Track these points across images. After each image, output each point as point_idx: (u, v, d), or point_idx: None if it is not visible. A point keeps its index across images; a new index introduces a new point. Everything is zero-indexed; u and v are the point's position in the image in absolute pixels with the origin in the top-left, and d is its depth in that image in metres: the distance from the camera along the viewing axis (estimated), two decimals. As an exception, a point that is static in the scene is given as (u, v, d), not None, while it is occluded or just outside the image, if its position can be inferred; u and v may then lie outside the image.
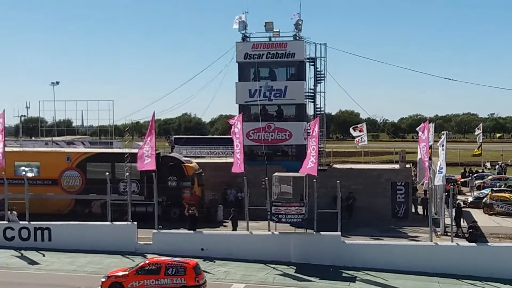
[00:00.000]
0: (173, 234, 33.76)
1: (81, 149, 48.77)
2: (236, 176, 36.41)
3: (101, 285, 25.53)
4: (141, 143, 36.77)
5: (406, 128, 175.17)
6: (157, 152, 38.68)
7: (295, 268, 30.58)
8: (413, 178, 48.00)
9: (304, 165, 32.47)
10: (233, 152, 34.70)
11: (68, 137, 73.65)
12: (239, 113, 38.68)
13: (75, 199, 41.22)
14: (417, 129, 48.12)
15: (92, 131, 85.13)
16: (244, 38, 44.01)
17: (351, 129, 56.54)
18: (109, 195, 34.33)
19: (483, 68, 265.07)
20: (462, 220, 37.92)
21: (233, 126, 34.25)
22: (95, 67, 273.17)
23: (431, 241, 32.53)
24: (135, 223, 33.69)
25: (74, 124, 64.96)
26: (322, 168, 40.86)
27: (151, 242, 33.17)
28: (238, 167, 33.61)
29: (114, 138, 58.74)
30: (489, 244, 32.70)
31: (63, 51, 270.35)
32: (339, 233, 31.70)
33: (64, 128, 60.96)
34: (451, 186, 40.47)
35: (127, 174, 36.40)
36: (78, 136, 78.59)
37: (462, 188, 57.58)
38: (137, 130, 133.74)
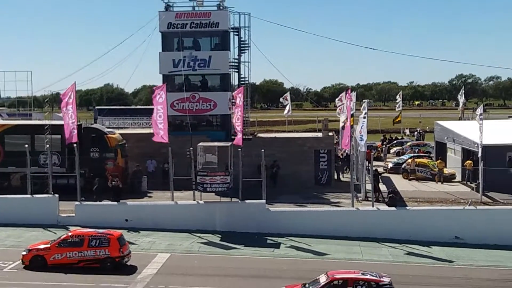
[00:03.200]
0: (96, 205, 33.35)
1: (-2, 121, 47.14)
2: (160, 146, 36.12)
3: (22, 259, 25.01)
4: (61, 115, 35.94)
5: (329, 97, 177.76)
6: (79, 123, 37.89)
7: (220, 236, 30.82)
8: (336, 145, 48.89)
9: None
10: (155, 122, 34.29)
11: (-15, 109, 71.15)
12: (163, 83, 38.26)
13: (-7, 172, 39.96)
14: (336, 100, 49.00)
15: (10, 103, 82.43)
16: (167, 7, 43.34)
17: (281, 99, 57.06)
18: (29, 168, 33.60)
19: (402, 38, 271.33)
20: (380, 185, 39.01)
21: (156, 96, 33.83)
22: (11, 37, 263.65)
23: (353, 206, 33.39)
24: (56, 195, 33.05)
25: (-10, 96, 62.70)
26: (246, 137, 41.07)
27: (74, 215, 32.65)
28: (161, 137, 33.28)
29: (33, 109, 57.16)
30: (407, 208, 33.79)
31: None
32: (264, 201, 32.07)
33: (-20, 100, 58.82)
34: (373, 152, 41.33)
35: (47, 146, 35.55)
36: (-5, 108, 75.98)
37: (382, 155, 59.02)
38: (57, 101, 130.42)
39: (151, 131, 34.65)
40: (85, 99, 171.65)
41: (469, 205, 33.92)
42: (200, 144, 35.34)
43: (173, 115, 41.96)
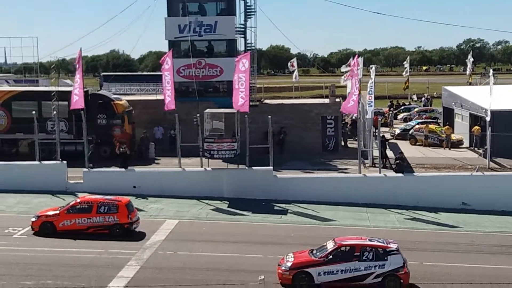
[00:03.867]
0: (104, 172, 33.45)
1: (5, 88, 47.12)
2: (167, 113, 36.10)
3: (31, 225, 25.19)
4: (68, 81, 35.85)
5: (336, 63, 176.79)
6: (85, 90, 37.83)
7: (228, 203, 30.93)
8: (343, 111, 48.70)
9: (234, 101, 32.37)
10: (163, 89, 34.26)
11: (-9, 76, 71.02)
12: (169, 49, 38.03)
13: (1, 139, 40.08)
14: (342, 67, 48.66)
15: (16, 69, 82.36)
16: (172, -28, 42.84)
17: (288, 64, 56.69)
18: (37, 134, 33.66)
19: (410, 2, 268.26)
20: (387, 151, 38.96)
21: (163, 63, 33.73)
22: (16, 3, 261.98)
23: (360, 172, 33.38)
24: (65, 162, 33.14)
25: (-4, 62, 62.63)
26: (253, 104, 40.95)
27: (82, 181, 32.78)
28: (169, 104, 33.27)
29: (40, 75, 57.02)
30: (415, 174, 33.78)
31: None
32: (271, 167, 32.09)
33: (-14, 66, 58.68)
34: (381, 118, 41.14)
35: (55, 112, 35.55)
36: (2, 74, 75.86)
37: (389, 121, 58.78)
38: (63, 67, 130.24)
39: (158, 97, 34.63)
40: (92, 66, 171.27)
41: (477, 171, 33.87)
42: (207, 110, 35.29)
43: (179, 81, 41.80)
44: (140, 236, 25.06)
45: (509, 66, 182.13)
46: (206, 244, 24.19)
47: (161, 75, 34.95)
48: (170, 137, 40.77)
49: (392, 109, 63.52)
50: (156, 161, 38.76)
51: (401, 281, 19.47)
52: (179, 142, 33.22)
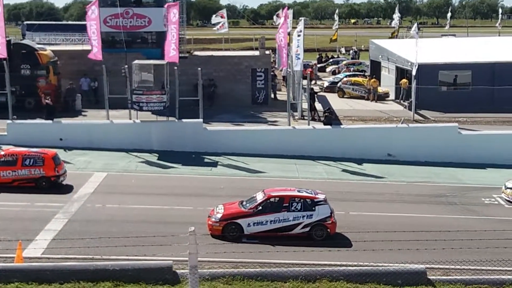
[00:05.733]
0: (29, 124, 32.54)
1: None
2: (94, 64, 35.27)
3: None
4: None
5: (266, 15, 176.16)
6: (7, 39, 36.40)
7: (157, 155, 30.76)
8: (272, 64, 48.81)
9: (166, 53, 31.94)
10: (89, 39, 33.35)
11: None
12: (95, -2, 36.93)
13: None
14: (274, 18, 48.54)
15: None
16: None
17: (213, 16, 56.02)
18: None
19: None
20: (316, 104, 39.45)
21: (89, 12, 32.76)
22: None
23: (289, 125, 33.73)
24: (-13, 113, 32.09)
25: None
26: (183, 55, 40.45)
27: (6, 133, 31.81)
28: (95, 54, 32.49)
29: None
30: (342, 126, 34.36)
31: None
32: (201, 120, 32.00)
33: None
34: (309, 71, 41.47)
35: (-25, 63, 34.16)
36: None
37: (319, 74, 59.38)
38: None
39: (85, 47, 33.73)
40: (14, 14, 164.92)
41: (402, 123, 34.72)
42: (136, 62, 34.65)
43: (106, 31, 40.62)
44: (67, 189, 24.66)
45: (434, 20, 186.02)
46: (135, 197, 24.07)
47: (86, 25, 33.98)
48: (91, 89, 40.01)
49: (315, 63, 63.64)
50: (83, 113, 37.99)
51: (328, 230, 19.96)
52: (107, 94, 32.60)
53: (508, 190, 25.13)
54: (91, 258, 17.00)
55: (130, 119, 32.77)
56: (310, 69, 43.70)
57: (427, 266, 15.79)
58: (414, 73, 39.29)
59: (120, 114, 34.11)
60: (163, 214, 21.93)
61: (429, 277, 15.32)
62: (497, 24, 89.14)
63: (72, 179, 25.53)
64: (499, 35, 75.64)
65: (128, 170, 28.38)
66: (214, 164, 29.80)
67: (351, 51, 73.51)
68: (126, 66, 33.00)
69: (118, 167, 28.65)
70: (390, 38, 68.60)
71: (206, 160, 30.43)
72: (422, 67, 40.02)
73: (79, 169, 27.83)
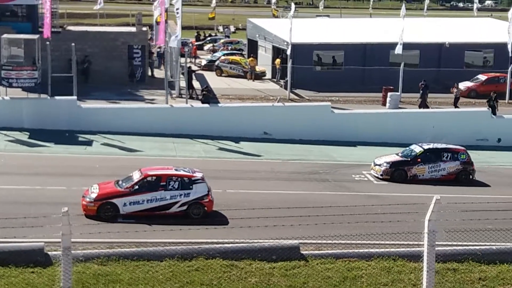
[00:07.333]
0: None
1: None
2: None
3: None
4: None
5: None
6: None
7: (28, 134, 29.62)
8: (149, 41, 48.13)
9: (46, 28, 30.70)
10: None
11: None
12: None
13: None
14: None
15: None
16: None
17: None
18: None
19: None
20: (194, 82, 39.41)
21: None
22: None
23: (167, 103, 33.50)
24: None
25: None
26: (55, 30, 38.98)
27: None
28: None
29: None
30: (220, 105, 34.56)
31: None
32: (75, 97, 31.15)
33: None
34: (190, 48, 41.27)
35: None
36: None
37: (197, 52, 59.16)
38: None
39: None
40: None
41: (278, 102, 35.43)
42: (4, 36, 33.03)
43: (-28, 3, 38.51)
44: None
45: (310, 0, 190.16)
46: (3, 177, 23.06)
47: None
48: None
49: (190, 42, 62.94)
50: None
51: (205, 208, 20.07)
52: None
53: (377, 166, 26.33)
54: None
55: (-1, 96, 31.32)
56: (194, 47, 43.13)
57: (301, 241, 16.25)
58: (289, 52, 40.09)
59: (-13, 91, 32.49)
60: (35, 194, 21.17)
61: (302, 252, 15.78)
62: (369, 7, 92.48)
63: None
64: (370, 17, 78.52)
65: (-4, 149, 27.16)
66: (89, 143, 29.11)
67: (225, 29, 73.77)
68: (-5, 40, 31.46)
69: (-14, 147, 27.37)
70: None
71: (80, 139, 29.65)
72: (297, 47, 40.93)
73: None
